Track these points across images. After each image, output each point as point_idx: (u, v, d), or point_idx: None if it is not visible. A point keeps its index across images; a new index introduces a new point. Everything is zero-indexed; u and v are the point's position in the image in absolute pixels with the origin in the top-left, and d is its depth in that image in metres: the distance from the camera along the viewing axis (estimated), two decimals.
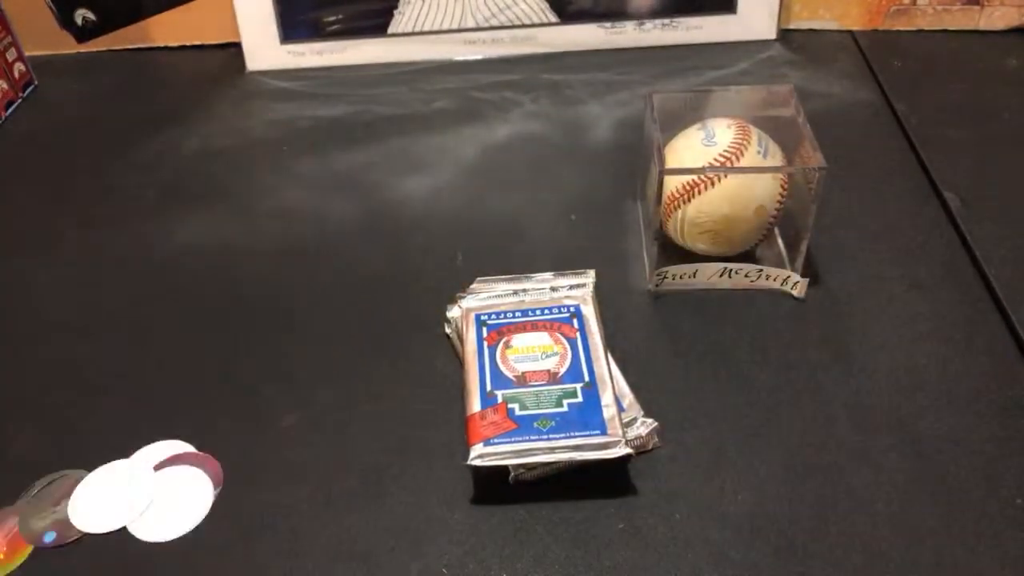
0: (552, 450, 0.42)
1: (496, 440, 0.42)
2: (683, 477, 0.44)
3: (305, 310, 0.56)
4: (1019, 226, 0.58)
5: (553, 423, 0.43)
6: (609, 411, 0.43)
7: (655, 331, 0.52)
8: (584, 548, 0.41)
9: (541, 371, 0.46)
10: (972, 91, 0.74)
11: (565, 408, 0.44)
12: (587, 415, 0.43)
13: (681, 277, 0.54)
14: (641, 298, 0.55)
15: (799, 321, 0.52)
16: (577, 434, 0.42)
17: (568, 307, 0.50)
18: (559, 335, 0.48)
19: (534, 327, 0.49)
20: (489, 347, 0.48)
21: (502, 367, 0.46)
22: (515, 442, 0.42)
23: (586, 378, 0.45)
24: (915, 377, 0.48)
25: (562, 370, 0.46)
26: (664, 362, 0.50)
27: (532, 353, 0.47)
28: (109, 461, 0.46)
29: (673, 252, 0.55)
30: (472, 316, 0.50)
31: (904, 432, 0.45)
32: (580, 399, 0.44)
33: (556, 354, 0.47)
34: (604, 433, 0.42)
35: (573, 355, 0.47)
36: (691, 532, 0.41)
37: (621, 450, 0.42)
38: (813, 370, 0.49)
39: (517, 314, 0.50)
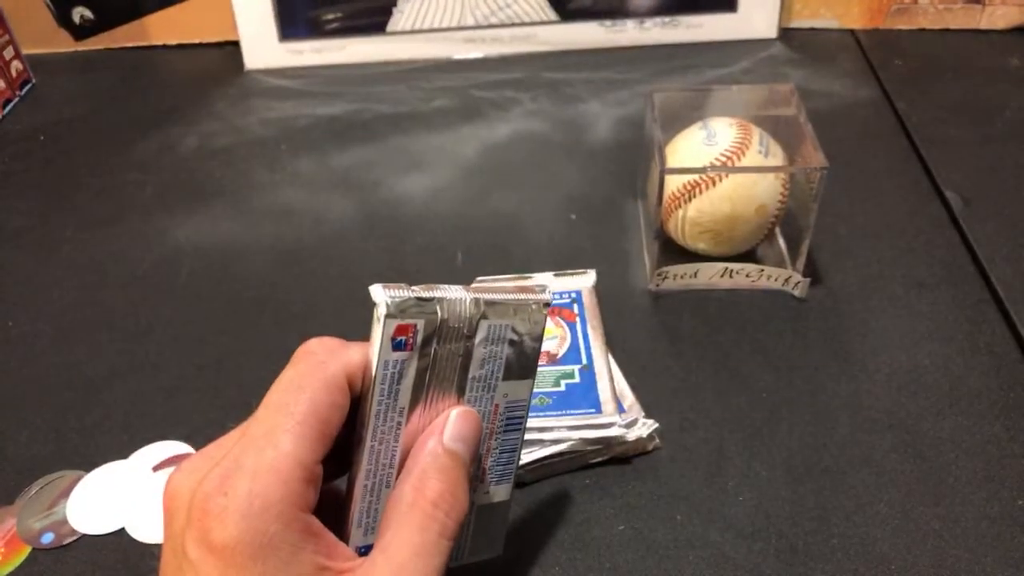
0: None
1: None
2: (684, 478, 0.44)
3: (305, 310, 0.55)
4: (1020, 225, 0.58)
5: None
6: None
7: (655, 331, 0.52)
8: (585, 550, 0.41)
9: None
10: (973, 90, 0.73)
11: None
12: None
13: (682, 277, 0.54)
14: (641, 298, 0.55)
15: (800, 321, 0.52)
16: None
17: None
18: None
19: None
20: None
21: None
22: None
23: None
24: (916, 377, 0.48)
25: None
26: (664, 362, 0.50)
27: None
28: (108, 462, 0.46)
29: (674, 252, 0.55)
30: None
31: (905, 433, 0.45)
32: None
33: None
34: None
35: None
36: (692, 534, 0.41)
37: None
38: (814, 370, 0.49)
39: None
